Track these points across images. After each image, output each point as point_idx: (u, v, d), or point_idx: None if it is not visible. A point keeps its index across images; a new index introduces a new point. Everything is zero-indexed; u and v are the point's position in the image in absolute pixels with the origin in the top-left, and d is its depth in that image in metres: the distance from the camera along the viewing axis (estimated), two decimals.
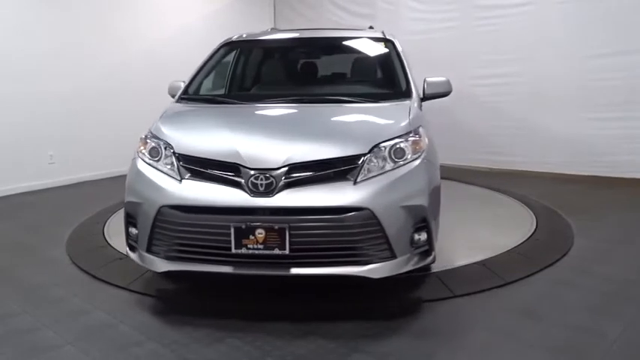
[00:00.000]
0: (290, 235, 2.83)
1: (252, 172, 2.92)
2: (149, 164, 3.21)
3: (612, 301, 3.23)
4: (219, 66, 4.76)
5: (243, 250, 2.88)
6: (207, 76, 4.37)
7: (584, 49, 6.46)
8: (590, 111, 6.53)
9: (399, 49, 4.31)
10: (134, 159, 3.34)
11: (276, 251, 2.86)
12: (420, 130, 3.29)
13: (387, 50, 4.38)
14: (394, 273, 2.97)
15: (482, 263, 3.80)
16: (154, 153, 3.24)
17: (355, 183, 2.93)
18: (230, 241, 2.88)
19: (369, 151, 3.02)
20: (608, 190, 6.07)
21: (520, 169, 7.07)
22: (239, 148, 3.03)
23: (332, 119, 3.55)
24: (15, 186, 6.31)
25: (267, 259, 2.91)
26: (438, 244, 4.39)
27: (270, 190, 2.88)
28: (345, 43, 4.82)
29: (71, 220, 5.02)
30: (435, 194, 3.18)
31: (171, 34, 7.79)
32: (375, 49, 4.57)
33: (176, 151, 3.15)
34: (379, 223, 2.86)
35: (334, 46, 4.94)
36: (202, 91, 4.32)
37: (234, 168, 2.97)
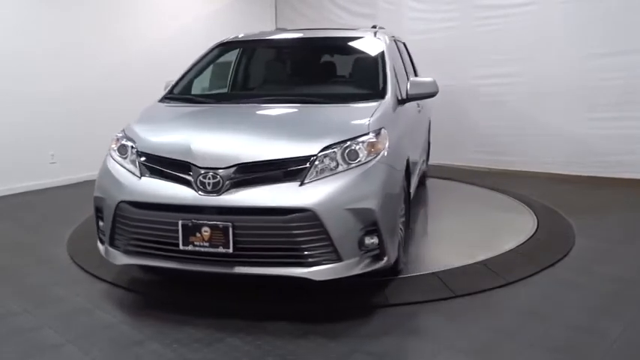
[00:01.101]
0: (234, 234, 2.87)
1: (201, 171, 2.98)
2: (116, 161, 3.34)
3: (613, 301, 3.24)
4: (218, 66, 4.82)
5: (190, 247, 2.94)
6: (196, 76, 4.42)
7: (584, 49, 6.46)
8: (591, 111, 6.52)
9: (384, 48, 4.20)
10: (106, 156, 3.47)
11: (221, 249, 2.91)
12: (382, 132, 3.23)
13: (371, 50, 4.30)
14: (340, 276, 2.95)
15: (483, 263, 3.80)
16: (122, 151, 3.37)
17: (302, 184, 2.92)
18: (178, 237, 2.94)
19: (319, 153, 3.00)
20: (608, 191, 6.06)
21: (520, 169, 7.06)
22: (192, 147, 3.10)
23: (289, 120, 3.55)
24: (16, 185, 6.31)
25: (212, 257, 2.95)
26: (437, 244, 4.40)
27: (217, 189, 2.93)
28: (332, 43, 4.85)
29: (72, 220, 5.02)
30: (391, 198, 3.12)
31: (171, 34, 7.79)
32: (361, 50, 4.53)
33: (138, 149, 3.27)
34: (322, 225, 2.84)
35: (321, 46, 4.95)
36: (198, 91, 4.39)
37: (186, 166, 3.04)
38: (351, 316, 3.09)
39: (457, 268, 3.73)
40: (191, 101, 4.15)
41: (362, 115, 3.36)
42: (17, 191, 6.31)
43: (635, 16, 6.09)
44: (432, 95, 4.06)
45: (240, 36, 4.84)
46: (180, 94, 4.20)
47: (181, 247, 2.96)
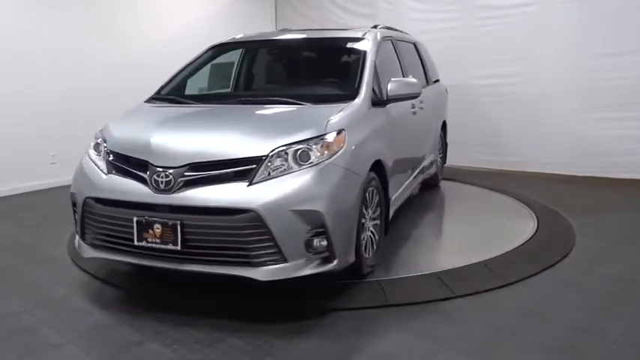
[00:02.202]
0: (182, 232, 2.94)
1: (155, 169, 3.08)
2: (91, 159, 3.49)
3: (613, 302, 3.24)
4: (216, 67, 4.91)
5: (144, 243, 3.05)
6: (187, 77, 4.47)
7: (584, 50, 6.45)
8: (591, 111, 6.51)
9: (367, 49, 4.13)
10: (84, 153, 3.61)
11: (170, 246, 2.98)
12: (341, 133, 3.22)
13: (354, 51, 4.25)
14: (285, 277, 2.96)
15: (484, 263, 3.80)
16: (97, 148, 3.52)
17: (250, 184, 2.95)
18: (133, 233, 3.05)
19: (269, 153, 3.01)
20: (608, 191, 6.06)
21: (520, 169, 7.06)
22: (150, 146, 3.22)
23: (249, 121, 3.53)
24: (16, 186, 6.31)
25: (163, 253, 3.04)
26: (438, 245, 4.39)
27: (169, 188, 3.01)
28: (318, 44, 4.86)
29: (72, 220, 5.00)
30: (344, 200, 3.10)
31: (172, 34, 7.78)
32: (344, 50, 4.51)
33: (108, 147, 3.42)
34: (266, 226, 2.86)
35: (307, 47, 4.97)
36: (194, 92, 4.49)
37: (144, 165, 3.15)
38: (351, 316, 3.09)
39: (457, 268, 3.73)
40: (173, 102, 4.16)
41: (323, 116, 3.34)
42: (18, 191, 6.31)
43: (635, 16, 6.09)
44: (414, 96, 4.04)
45: (236, 37, 4.88)
46: (168, 94, 4.26)
47: (136, 242, 3.07)
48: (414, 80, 3.99)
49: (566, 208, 5.21)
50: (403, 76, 4.65)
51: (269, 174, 2.98)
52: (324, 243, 3.00)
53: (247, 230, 2.88)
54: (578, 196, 5.89)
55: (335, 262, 3.06)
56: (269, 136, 3.15)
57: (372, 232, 3.62)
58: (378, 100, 3.87)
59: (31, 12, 6.36)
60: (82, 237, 3.38)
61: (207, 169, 3.02)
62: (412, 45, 5.62)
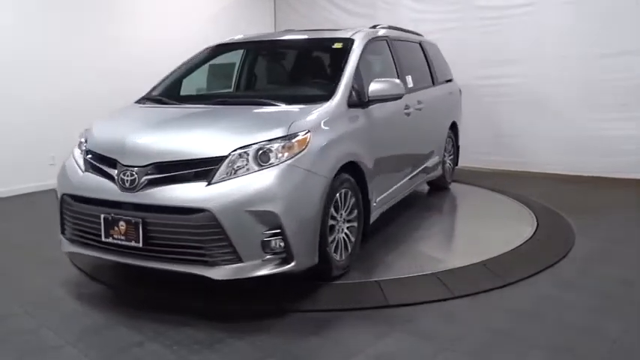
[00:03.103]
0: (144, 229, 3.04)
1: (122, 168, 3.17)
2: (74, 157, 3.62)
3: (613, 302, 3.23)
4: (215, 68, 5.02)
5: (110, 240, 3.16)
6: (180, 78, 4.55)
7: (585, 50, 6.46)
8: (591, 111, 6.52)
9: (352, 50, 4.09)
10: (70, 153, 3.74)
11: (133, 243, 3.08)
12: (305, 135, 3.22)
13: (337, 52, 4.19)
14: (241, 276, 2.99)
15: (483, 264, 3.80)
16: (80, 147, 3.65)
17: (209, 184, 2.99)
18: (101, 230, 3.18)
19: (229, 154, 3.04)
20: (608, 191, 6.07)
21: (520, 169, 7.07)
22: (121, 146, 3.31)
23: (216, 121, 3.53)
24: (16, 187, 6.32)
25: (127, 250, 3.14)
26: (437, 245, 4.39)
27: (133, 186, 3.10)
28: (305, 45, 4.88)
29: None
30: (304, 202, 3.11)
31: (172, 36, 7.76)
32: (330, 51, 4.47)
33: (87, 146, 3.57)
34: (221, 226, 2.89)
35: (295, 48, 5.00)
36: (192, 92, 4.62)
37: (114, 163, 3.25)
38: (351, 317, 3.08)
39: (457, 268, 3.73)
40: (160, 102, 4.21)
41: (290, 117, 3.36)
42: (18, 192, 6.32)
43: (635, 16, 6.09)
44: (396, 97, 3.99)
45: (235, 38, 4.93)
46: (156, 95, 4.33)
47: (103, 238, 3.19)
48: (397, 81, 3.93)
49: (566, 208, 5.21)
50: (398, 77, 4.59)
51: (229, 174, 3.01)
52: (282, 244, 3.01)
53: (203, 230, 2.93)
54: (577, 196, 5.89)
55: (293, 263, 3.06)
56: (231, 136, 3.19)
57: (346, 234, 3.61)
58: (359, 102, 3.85)
59: (31, 15, 6.36)
60: (62, 232, 3.53)
61: (170, 169, 3.09)
62: (417, 45, 5.56)
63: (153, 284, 3.58)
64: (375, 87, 3.85)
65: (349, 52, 4.07)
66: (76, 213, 3.35)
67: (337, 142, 3.46)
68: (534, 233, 4.48)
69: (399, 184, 4.61)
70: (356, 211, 3.68)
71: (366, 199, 3.83)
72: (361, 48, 4.16)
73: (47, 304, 3.37)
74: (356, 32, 4.39)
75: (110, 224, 3.14)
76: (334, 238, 3.47)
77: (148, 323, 3.03)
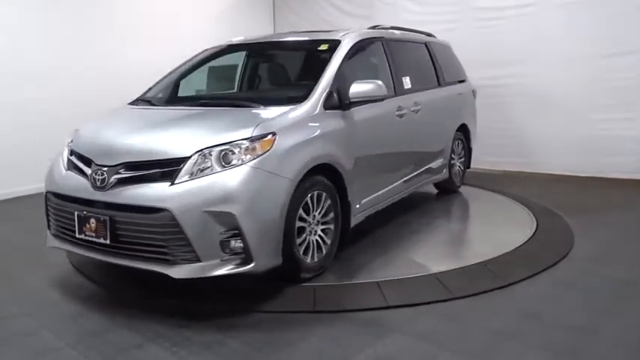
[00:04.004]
0: (111, 227, 3.15)
1: (95, 167, 3.30)
2: (62, 157, 3.73)
3: (613, 302, 3.23)
4: (215, 70, 5.11)
5: (83, 236, 3.29)
6: (175, 80, 4.64)
7: (584, 51, 6.45)
8: (591, 112, 6.51)
9: (336, 52, 4.08)
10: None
11: (102, 240, 3.20)
12: (269, 137, 3.24)
13: (324, 53, 4.17)
14: (199, 276, 3.03)
15: (483, 264, 3.79)
16: (68, 147, 3.76)
17: (172, 184, 3.05)
18: (75, 226, 3.33)
19: (192, 155, 3.10)
20: (607, 191, 6.06)
21: (519, 170, 7.07)
22: (97, 145, 3.48)
23: (187, 123, 3.59)
24: (16, 189, 6.31)
25: (97, 246, 3.27)
26: (437, 246, 4.38)
27: (103, 185, 3.21)
28: (293, 47, 4.91)
29: None
30: (265, 204, 3.12)
31: (172, 37, 7.74)
32: (316, 53, 4.44)
33: (71, 145, 3.70)
34: (179, 226, 2.95)
35: (283, 50, 5.03)
36: (186, 94, 4.73)
37: (90, 163, 3.39)
38: (350, 318, 3.08)
39: (456, 269, 3.73)
40: (149, 103, 4.30)
41: (258, 118, 3.39)
42: (18, 194, 6.30)
43: (634, 17, 6.09)
44: (378, 99, 3.97)
45: (234, 40, 4.99)
46: (150, 97, 4.44)
47: (77, 235, 3.32)
48: (379, 83, 3.88)
49: (566, 208, 5.21)
50: (392, 78, 4.58)
51: (193, 175, 3.07)
52: (241, 244, 3.05)
53: (164, 229, 3.00)
54: (577, 197, 5.89)
55: (253, 264, 3.08)
56: (196, 138, 3.24)
57: (320, 236, 3.61)
58: (339, 103, 3.83)
59: (33, 15, 6.37)
60: (48, 227, 3.69)
61: (138, 169, 3.18)
62: (422, 45, 5.49)
63: (152, 286, 3.57)
64: (355, 89, 3.83)
65: (331, 55, 4.06)
66: (57, 210, 3.52)
67: (307, 144, 3.46)
68: (534, 234, 4.48)
69: (390, 187, 4.54)
70: (332, 214, 3.68)
71: (345, 201, 3.81)
72: (346, 50, 4.14)
73: (46, 305, 3.37)
74: (345, 34, 4.37)
75: (83, 221, 3.27)
76: (305, 240, 3.47)
77: (147, 325, 3.03)
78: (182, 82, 4.70)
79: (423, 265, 3.86)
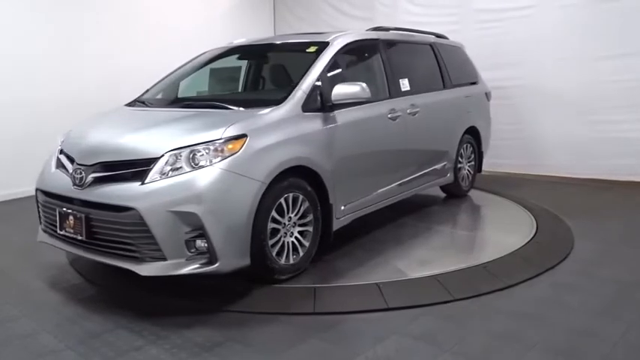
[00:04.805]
0: (86, 224, 3.27)
1: (76, 166, 3.44)
2: (54, 155, 3.84)
3: (613, 304, 3.23)
4: (217, 72, 5.17)
5: (64, 232, 3.44)
6: (173, 82, 4.72)
7: (583, 52, 6.46)
8: (590, 114, 6.53)
9: (323, 54, 4.06)
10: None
11: (79, 237, 3.33)
12: (240, 139, 3.27)
13: (310, 56, 4.15)
14: (165, 274, 3.09)
15: (483, 266, 3.80)
16: (60, 146, 3.87)
17: (142, 184, 3.14)
18: (57, 222, 3.48)
19: (162, 155, 3.17)
20: (607, 193, 6.07)
21: (519, 172, 7.07)
22: (80, 145, 3.60)
23: (165, 125, 3.62)
24: (16, 190, 6.31)
25: (76, 242, 3.40)
26: (437, 248, 4.38)
27: (81, 184, 3.34)
28: (285, 49, 4.93)
29: None
30: (230, 205, 3.15)
31: (173, 39, 7.75)
32: (303, 55, 4.41)
33: (61, 144, 3.83)
34: (146, 224, 3.03)
35: (276, 52, 5.06)
36: (186, 95, 4.82)
37: (72, 161, 3.52)
38: (350, 319, 3.08)
39: (456, 271, 3.73)
40: (144, 104, 4.40)
41: (229, 120, 3.41)
42: (18, 196, 6.31)
43: (633, 19, 6.10)
44: (362, 102, 3.95)
45: (234, 42, 5.06)
46: (146, 98, 4.54)
47: (58, 230, 3.48)
48: (363, 85, 3.84)
49: (565, 210, 5.21)
50: (387, 81, 4.55)
51: (163, 175, 3.14)
52: (206, 244, 3.10)
53: (132, 227, 3.09)
54: (577, 199, 5.89)
55: (217, 264, 3.12)
56: (168, 138, 3.31)
57: (297, 237, 3.62)
58: (322, 106, 3.83)
59: (33, 16, 6.38)
60: (40, 222, 3.82)
61: (112, 169, 3.29)
62: (427, 46, 5.41)
63: (153, 288, 3.57)
64: (338, 91, 3.83)
65: (315, 58, 4.05)
66: (44, 206, 3.68)
67: (280, 147, 3.47)
68: (534, 235, 4.48)
69: (382, 190, 4.48)
70: (311, 216, 3.68)
71: (326, 203, 3.81)
72: (333, 52, 4.12)
73: (46, 307, 3.37)
74: (337, 36, 4.34)
75: (63, 218, 3.43)
76: (279, 242, 3.49)
77: (147, 327, 3.03)
78: (186, 84, 4.77)
79: (423, 266, 3.86)
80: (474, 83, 6.06)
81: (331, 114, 3.88)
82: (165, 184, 3.10)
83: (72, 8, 6.77)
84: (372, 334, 2.91)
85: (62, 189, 3.47)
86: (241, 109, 3.73)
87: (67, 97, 6.70)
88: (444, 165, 5.42)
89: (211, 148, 3.20)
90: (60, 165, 3.68)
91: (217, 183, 3.12)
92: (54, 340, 2.92)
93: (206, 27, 8.28)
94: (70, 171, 3.47)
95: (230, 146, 3.23)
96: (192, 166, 3.15)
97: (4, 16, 6.19)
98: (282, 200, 3.46)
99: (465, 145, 5.79)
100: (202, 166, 3.14)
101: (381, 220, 4.88)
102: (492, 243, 4.34)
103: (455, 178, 5.66)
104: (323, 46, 4.19)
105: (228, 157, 3.20)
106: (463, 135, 5.70)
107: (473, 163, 6.03)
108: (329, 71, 4.03)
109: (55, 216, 3.48)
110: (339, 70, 4.18)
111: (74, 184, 3.38)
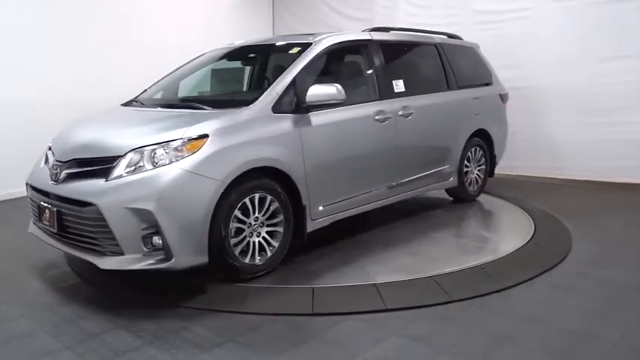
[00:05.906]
0: (58, 218, 3.45)
1: (54, 162, 3.61)
2: (46, 152, 3.99)
3: (612, 305, 3.24)
4: (218, 73, 5.21)
5: (42, 224, 3.67)
6: (172, 83, 4.79)
7: (582, 54, 6.47)
8: (588, 115, 6.54)
9: (303, 55, 4.05)
10: None
11: (52, 229, 3.54)
12: (202, 139, 3.33)
13: (290, 57, 4.13)
14: (122, 268, 3.20)
15: (481, 267, 3.80)
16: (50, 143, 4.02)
17: (106, 181, 3.27)
18: (38, 215, 3.71)
19: (125, 154, 3.29)
20: (606, 195, 6.08)
21: (517, 173, 7.08)
22: (60, 143, 3.79)
23: (137, 124, 3.76)
24: (16, 190, 6.29)
25: (52, 234, 3.60)
26: (435, 249, 4.39)
27: (56, 179, 3.52)
28: (271, 51, 5.00)
29: None
30: (185, 204, 3.20)
31: (173, 39, 7.74)
32: (284, 57, 4.41)
33: (51, 142, 3.97)
34: (104, 220, 3.15)
35: (262, 53, 5.09)
36: (190, 94, 4.89)
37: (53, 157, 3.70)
38: (350, 321, 3.08)
39: (454, 272, 3.73)
40: (138, 104, 4.50)
41: (193, 120, 3.49)
42: (17, 196, 6.29)
43: (632, 20, 6.12)
44: (337, 103, 3.91)
45: (237, 43, 5.07)
46: (140, 98, 4.63)
47: (39, 222, 3.73)
48: (338, 87, 3.81)
49: (564, 211, 5.22)
50: (376, 82, 4.50)
51: (125, 172, 3.25)
52: (162, 242, 3.18)
53: (94, 222, 3.22)
54: (575, 200, 5.90)
55: (173, 260, 3.18)
56: (132, 137, 3.43)
57: (264, 238, 3.64)
58: (296, 107, 3.82)
59: (33, 16, 6.38)
60: (32, 214, 3.95)
61: (82, 165, 3.44)
62: (432, 47, 5.30)
63: (152, 288, 3.57)
64: (312, 92, 3.82)
65: (295, 59, 4.03)
66: (31, 200, 3.87)
67: (244, 147, 3.49)
68: (532, 237, 4.49)
69: (367, 193, 4.40)
70: (281, 216, 3.69)
71: (298, 204, 3.81)
72: (314, 54, 4.09)
73: (45, 308, 3.36)
74: (323, 37, 4.30)
75: (41, 211, 3.64)
76: (243, 241, 3.52)
77: (146, 327, 3.03)
78: (188, 84, 4.82)
79: (422, 267, 3.86)
80: (487, 84, 5.90)
81: (306, 115, 3.87)
82: (126, 181, 3.22)
83: (72, 8, 6.77)
84: (370, 335, 2.92)
85: (43, 184, 3.65)
86: (215, 110, 3.75)
87: (67, 97, 6.68)
88: (447, 168, 5.28)
89: (172, 147, 3.29)
90: (47, 161, 3.85)
91: (173, 181, 3.19)
92: (52, 340, 2.92)
93: (205, 28, 8.27)
94: (49, 167, 3.66)
95: (190, 146, 3.31)
96: (153, 164, 3.25)
97: (4, 16, 6.18)
98: (246, 200, 3.49)
99: (473, 149, 5.61)
100: (161, 165, 3.24)
101: (378, 222, 4.89)
102: (490, 244, 4.34)
103: (461, 181, 5.50)
104: (305, 47, 4.18)
105: (187, 156, 3.27)
106: (471, 137, 5.52)
107: (483, 166, 5.84)
108: (309, 72, 4.01)
109: (37, 209, 3.71)
110: (321, 72, 4.16)
111: (51, 179, 3.56)
